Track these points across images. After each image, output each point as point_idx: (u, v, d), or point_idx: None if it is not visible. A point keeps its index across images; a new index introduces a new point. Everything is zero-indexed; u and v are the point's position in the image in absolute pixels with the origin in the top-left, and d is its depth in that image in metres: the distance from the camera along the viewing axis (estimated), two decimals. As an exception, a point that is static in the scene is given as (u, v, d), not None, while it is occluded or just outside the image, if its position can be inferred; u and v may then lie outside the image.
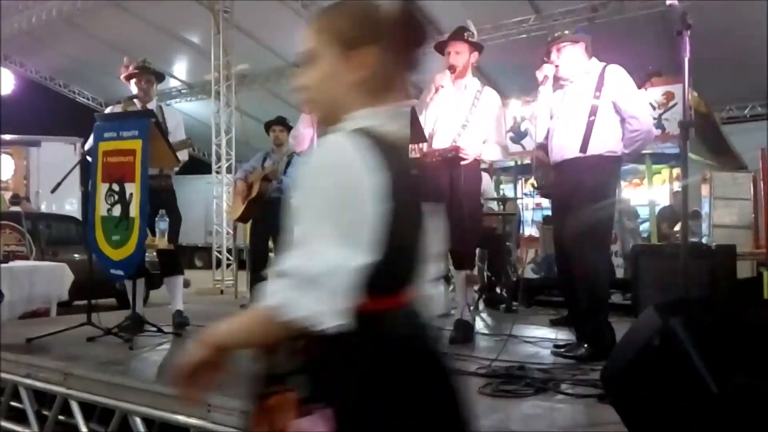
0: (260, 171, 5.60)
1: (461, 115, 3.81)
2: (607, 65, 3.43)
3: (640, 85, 3.73)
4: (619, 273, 6.00)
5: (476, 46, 3.88)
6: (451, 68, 3.76)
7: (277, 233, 5.78)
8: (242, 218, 5.77)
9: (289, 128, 5.80)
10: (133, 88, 4.37)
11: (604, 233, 3.50)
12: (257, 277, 5.88)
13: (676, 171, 6.76)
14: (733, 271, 4.80)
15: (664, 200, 7.50)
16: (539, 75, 3.64)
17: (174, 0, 10.60)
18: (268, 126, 5.88)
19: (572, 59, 3.48)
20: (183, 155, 4.43)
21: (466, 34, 3.85)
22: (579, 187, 3.34)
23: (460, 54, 3.80)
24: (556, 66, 3.52)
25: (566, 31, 3.57)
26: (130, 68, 4.39)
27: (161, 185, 4.27)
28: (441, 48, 3.89)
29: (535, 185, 3.94)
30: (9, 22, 11.55)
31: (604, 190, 3.41)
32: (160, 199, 4.13)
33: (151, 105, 4.38)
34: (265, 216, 5.61)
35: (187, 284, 5.65)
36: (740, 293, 4.63)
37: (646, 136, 3.47)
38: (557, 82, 3.57)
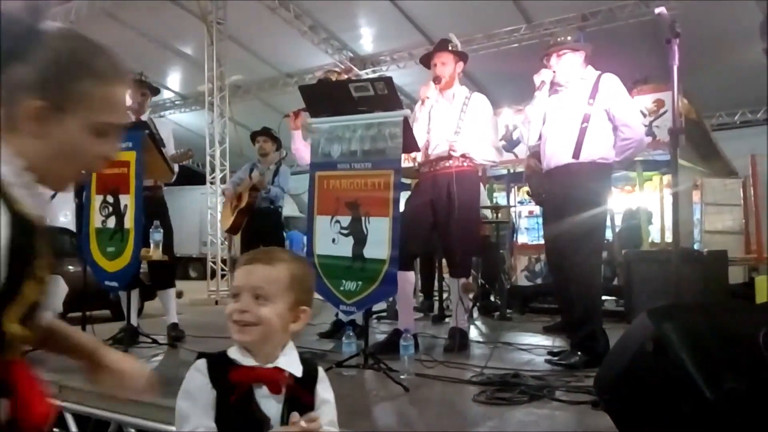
0: (248, 181, 5.62)
1: (452, 122, 3.85)
2: (603, 74, 3.47)
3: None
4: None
5: (461, 56, 3.95)
6: (437, 79, 3.83)
7: (267, 242, 5.80)
8: (232, 229, 5.79)
9: (273, 138, 5.83)
10: (128, 100, 4.38)
11: (596, 240, 3.53)
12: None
13: (667, 178, 6.80)
14: (725, 276, 4.83)
15: (654, 207, 7.54)
16: (537, 79, 3.67)
17: (167, 11, 10.63)
18: (253, 137, 5.91)
19: (570, 66, 3.51)
20: (174, 171, 4.45)
21: (449, 45, 3.91)
22: (572, 194, 3.37)
23: (446, 65, 3.87)
24: (554, 71, 3.55)
25: (569, 38, 3.59)
26: None
27: (152, 196, 4.26)
28: (427, 61, 3.96)
29: (529, 192, 3.97)
30: (1, 35, 11.52)
31: (597, 197, 3.43)
32: (151, 209, 4.13)
33: (144, 118, 4.40)
34: (255, 225, 5.63)
35: (180, 295, 5.62)
36: (732, 298, 4.66)
37: (638, 145, 3.51)
38: (553, 87, 3.59)
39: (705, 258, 4.78)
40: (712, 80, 9.17)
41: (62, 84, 0.98)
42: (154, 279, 4.42)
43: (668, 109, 5.70)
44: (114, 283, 3.86)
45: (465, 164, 3.83)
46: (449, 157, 3.80)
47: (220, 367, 1.25)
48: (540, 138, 3.64)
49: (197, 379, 1.25)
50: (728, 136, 9.60)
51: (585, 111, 3.40)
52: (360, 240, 3.20)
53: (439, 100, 3.92)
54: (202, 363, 1.26)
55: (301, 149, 4.40)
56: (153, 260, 4.03)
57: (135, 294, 4.23)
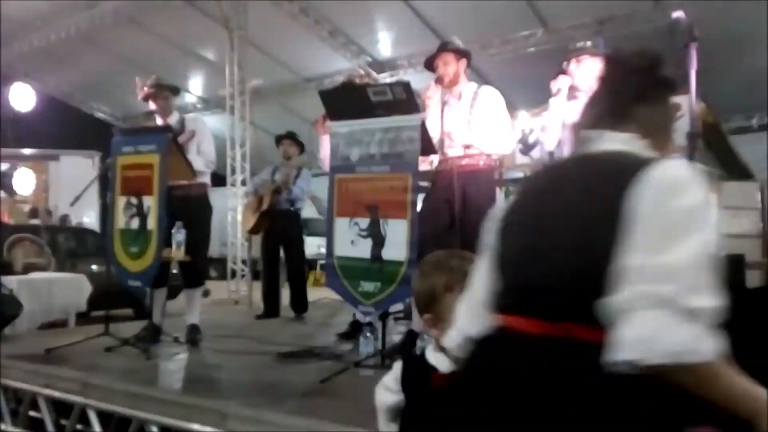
0: (270, 184, 5.72)
1: (463, 118, 3.85)
2: None
3: None
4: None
5: (462, 53, 3.94)
6: (439, 80, 3.84)
7: (287, 243, 5.88)
8: (254, 230, 5.93)
9: (297, 143, 5.93)
10: (152, 106, 4.42)
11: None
12: (270, 287, 5.96)
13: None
14: (741, 280, 4.79)
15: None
16: (553, 86, 3.69)
17: (189, 17, 10.79)
18: (278, 140, 6.00)
19: (590, 72, 3.53)
20: (210, 166, 4.42)
21: (449, 45, 3.93)
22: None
23: (448, 64, 3.86)
24: (573, 77, 3.58)
25: (588, 43, 3.62)
26: (145, 89, 4.41)
27: (187, 195, 4.22)
28: (430, 66, 3.97)
29: None
30: (29, 40, 11.78)
31: None
32: (184, 207, 4.10)
33: (172, 119, 4.38)
34: (276, 227, 5.72)
35: (207, 294, 5.69)
36: (749, 303, 4.63)
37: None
38: (572, 92, 3.62)
39: (721, 262, 4.75)
40: (729, 84, 9.09)
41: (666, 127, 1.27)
42: (184, 277, 4.40)
43: (685, 113, 5.67)
44: (137, 283, 3.93)
45: (480, 162, 3.81)
46: (463, 156, 3.79)
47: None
48: (558, 144, 3.66)
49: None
50: (746, 140, 9.51)
51: None
52: (378, 242, 3.24)
53: (449, 100, 3.92)
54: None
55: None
56: (182, 260, 4.05)
57: (162, 293, 4.27)
